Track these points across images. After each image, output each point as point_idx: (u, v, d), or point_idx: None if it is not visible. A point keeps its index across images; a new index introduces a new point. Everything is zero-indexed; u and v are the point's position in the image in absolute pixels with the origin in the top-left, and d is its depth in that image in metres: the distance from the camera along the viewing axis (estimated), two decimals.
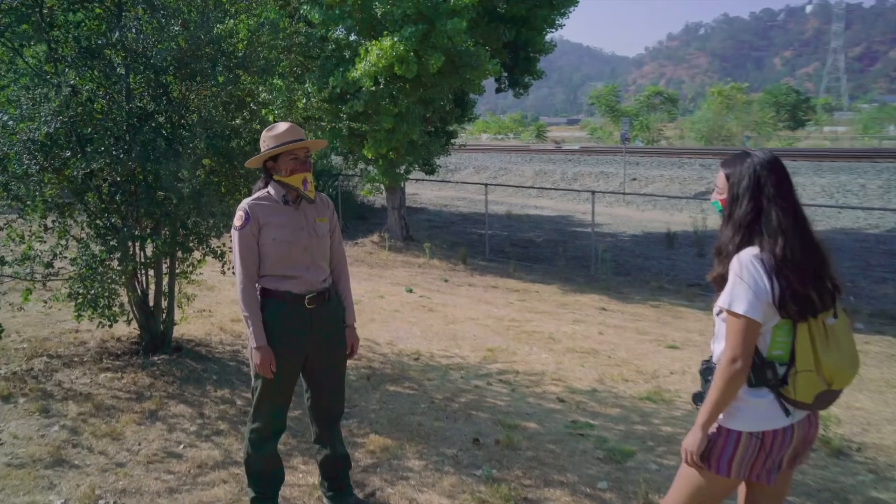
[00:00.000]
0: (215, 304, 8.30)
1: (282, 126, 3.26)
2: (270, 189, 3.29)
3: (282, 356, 3.22)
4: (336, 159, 19.60)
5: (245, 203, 3.24)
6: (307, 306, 3.24)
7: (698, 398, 2.46)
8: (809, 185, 21.45)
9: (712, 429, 2.36)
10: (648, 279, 12.82)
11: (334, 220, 3.49)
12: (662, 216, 21.31)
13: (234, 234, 3.21)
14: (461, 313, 8.87)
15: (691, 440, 2.38)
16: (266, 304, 3.23)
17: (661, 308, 10.21)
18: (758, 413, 2.30)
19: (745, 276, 2.24)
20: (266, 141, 3.26)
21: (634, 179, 25.98)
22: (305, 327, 3.26)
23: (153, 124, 5.19)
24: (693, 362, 6.85)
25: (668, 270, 13.81)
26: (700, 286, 11.77)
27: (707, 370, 2.45)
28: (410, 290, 10.39)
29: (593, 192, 14.38)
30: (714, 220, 16.52)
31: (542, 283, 12.20)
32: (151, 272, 5.88)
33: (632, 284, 12.35)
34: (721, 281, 2.35)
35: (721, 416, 2.34)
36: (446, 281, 11.93)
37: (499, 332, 7.89)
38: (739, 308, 2.23)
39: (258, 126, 5.90)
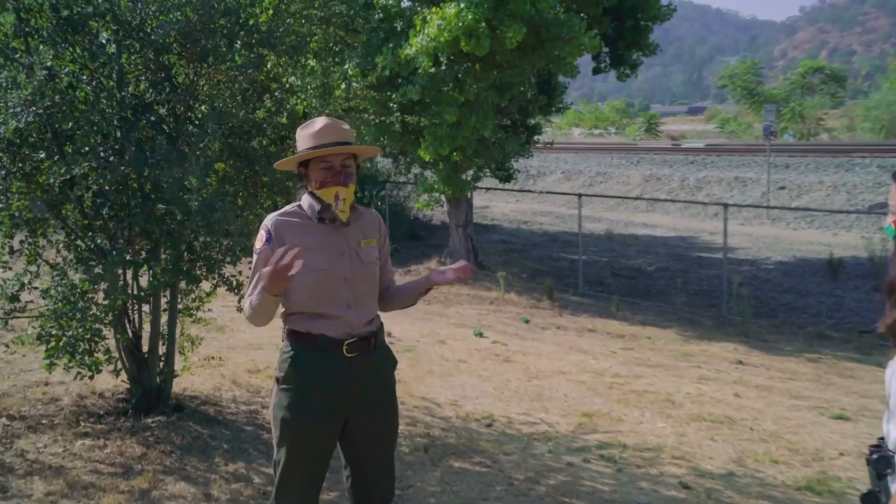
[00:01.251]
0: (227, 349, 8.42)
1: (317, 123, 3.29)
2: (304, 202, 3.34)
3: (312, 420, 3.22)
4: (383, 162, 19.80)
5: (269, 220, 3.28)
6: (346, 355, 3.24)
7: (870, 502, 2.33)
8: None
9: None
10: (803, 323, 12.46)
11: (386, 245, 3.51)
12: (822, 237, 20.74)
13: (255, 258, 3.26)
14: (547, 365, 8.79)
15: None
16: (293, 350, 3.25)
17: (823, 363, 9.91)
18: None
19: None
20: (298, 140, 3.31)
21: (783, 188, 25.40)
22: (344, 382, 3.25)
23: (152, 118, 5.31)
24: (872, 440, 6.58)
25: (831, 311, 13.39)
26: (879, 333, 11.35)
27: (880, 461, 2.31)
28: (480, 334, 10.37)
29: (725, 206, 14.10)
30: None
31: (654, 325, 12.01)
32: (147, 308, 5.99)
33: (780, 330, 12.02)
34: None
35: None
36: (527, 322, 11.86)
37: (598, 392, 7.80)
38: None
39: (285, 120, 6.00)
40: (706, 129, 68.09)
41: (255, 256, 3.27)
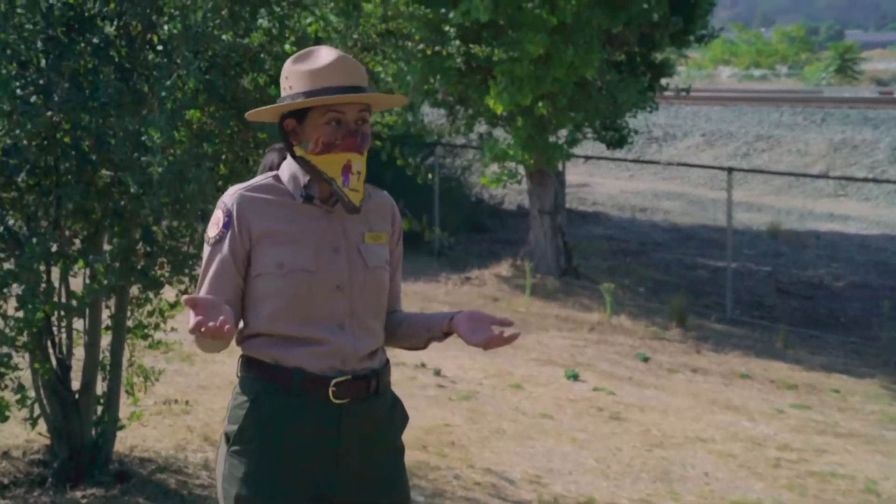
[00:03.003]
0: (196, 388, 8.49)
1: (324, 55, 3.24)
2: (284, 171, 3.32)
3: (281, 499, 3.21)
4: (432, 114, 19.85)
5: (231, 195, 3.25)
6: (333, 400, 3.20)
7: None
8: None
9: None
10: None
11: (399, 245, 3.48)
12: None
13: (207, 251, 3.24)
14: (678, 427, 8.76)
15: None
16: (251, 393, 3.23)
17: None
18: None
19: None
20: (289, 77, 3.26)
21: None
22: (328, 442, 3.24)
23: (95, 39, 5.33)
24: None
25: None
26: None
27: None
28: (575, 376, 10.35)
29: None
30: None
31: (846, 372, 11.90)
32: (81, 325, 6.02)
33: None
34: None
35: None
36: (646, 360, 11.82)
37: (757, 472, 7.73)
38: None
39: (292, 48, 5.99)
40: None
41: (206, 249, 3.24)
